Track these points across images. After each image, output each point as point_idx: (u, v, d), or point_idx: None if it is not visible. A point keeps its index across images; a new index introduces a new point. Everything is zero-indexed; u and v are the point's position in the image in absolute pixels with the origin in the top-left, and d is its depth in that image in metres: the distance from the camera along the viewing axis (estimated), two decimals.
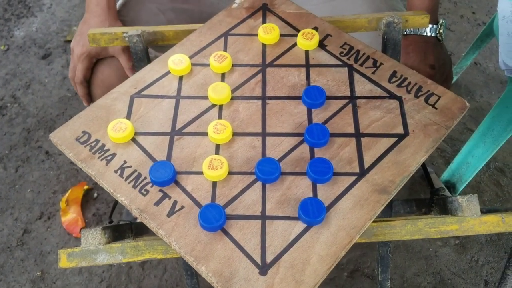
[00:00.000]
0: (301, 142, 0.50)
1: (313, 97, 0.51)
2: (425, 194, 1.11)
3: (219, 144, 0.49)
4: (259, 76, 0.55)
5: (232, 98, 0.53)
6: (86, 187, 1.15)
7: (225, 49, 0.57)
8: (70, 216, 1.10)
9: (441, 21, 0.72)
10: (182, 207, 0.45)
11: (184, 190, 0.46)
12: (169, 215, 0.45)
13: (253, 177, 0.47)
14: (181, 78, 0.55)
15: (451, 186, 0.99)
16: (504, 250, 1.06)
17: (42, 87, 1.37)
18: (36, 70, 1.42)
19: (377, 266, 0.64)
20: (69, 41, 1.48)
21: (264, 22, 0.60)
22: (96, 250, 0.48)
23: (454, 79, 1.35)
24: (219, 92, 0.52)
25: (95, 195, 1.15)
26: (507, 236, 1.08)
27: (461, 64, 1.29)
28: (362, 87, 0.54)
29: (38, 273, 1.03)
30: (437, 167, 1.19)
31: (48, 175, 1.19)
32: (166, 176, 0.46)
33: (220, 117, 0.52)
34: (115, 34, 0.61)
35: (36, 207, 1.13)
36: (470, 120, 1.28)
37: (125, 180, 0.47)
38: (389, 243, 0.60)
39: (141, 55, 0.62)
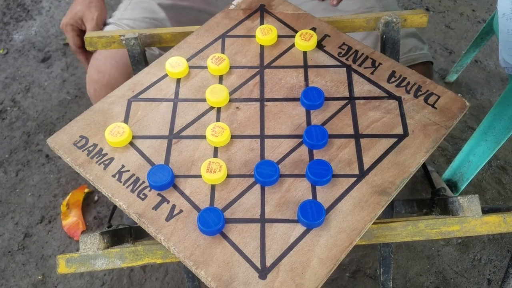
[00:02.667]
0: (300, 144, 0.49)
1: (312, 98, 0.51)
2: (427, 193, 1.11)
3: (217, 147, 0.49)
4: (257, 77, 0.55)
5: (230, 101, 0.53)
6: (86, 190, 1.15)
7: (222, 51, 0.57)
8: (71, 219, 1.09)
9: None
10: (181, 211, 0.45)
11: (182, 194, 0.46)
12: (168, 219, 0.44)
13: (252, 179, 0.47)
14: (178, 80, 0.55)
15: (452, 184, 0.99)
16: (507, 249, 1.05)
17: (42, 90, 1.37)
18: (35, 74, 1.41)
19: (379, 267, 0.63)
20: (68, 44, 1.48)
21: (261, 23, 0.60)
22: (95, 255, 0.48)
23: (455, 77, 1.34)
24: (217, 95, 0.52)
25: (96, 198, 1.15)
26: (510, 234, 1.07)
27: (461, 62, 1.29)
28: (361, 87, 0.53)
29: (39, 277, 1.03)
30: (438, 165, 1.18)
31: (49, 179, 1.19)
32: (164, 180, 0.45)
33: (218, 119, 0.51)
34: (112, 37, 0.61)
35: (37, 211, 1.13)
36: (471, 118, 1.27)
37: (123, 184, 0.47)
38: (391, 243, 0.60)
39: (138, 58, 0.62)
